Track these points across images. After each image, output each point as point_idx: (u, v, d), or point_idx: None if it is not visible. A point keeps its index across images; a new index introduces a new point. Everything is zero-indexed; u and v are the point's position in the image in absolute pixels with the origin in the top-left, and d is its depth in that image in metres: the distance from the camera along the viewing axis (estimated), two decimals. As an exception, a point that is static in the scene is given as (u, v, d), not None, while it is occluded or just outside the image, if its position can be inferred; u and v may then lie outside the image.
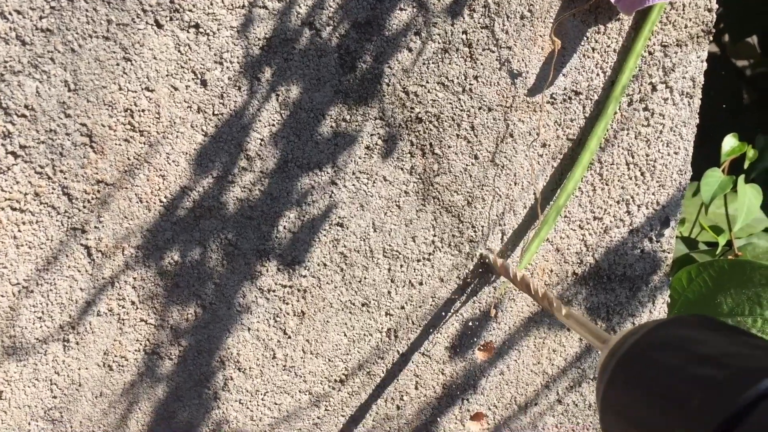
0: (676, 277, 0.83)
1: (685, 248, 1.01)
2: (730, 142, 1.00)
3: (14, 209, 0.48)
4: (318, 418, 0.62)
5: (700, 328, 0.34)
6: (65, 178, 0.49)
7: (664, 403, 0.31)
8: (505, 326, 0.65)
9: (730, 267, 0.81)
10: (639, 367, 0.35)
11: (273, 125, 0.53)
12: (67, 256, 0.51)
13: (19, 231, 0.49)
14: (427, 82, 0.56)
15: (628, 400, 0.34)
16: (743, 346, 0.31)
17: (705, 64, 0.63)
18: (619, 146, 0.63)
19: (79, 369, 0.53)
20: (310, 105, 0.53)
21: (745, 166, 1.03)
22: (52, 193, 0.49)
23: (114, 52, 0.47)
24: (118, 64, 0.48)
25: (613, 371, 0.36)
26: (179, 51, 0.49)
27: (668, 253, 0.68)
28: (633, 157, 0.63)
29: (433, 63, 0.55)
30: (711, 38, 0.62)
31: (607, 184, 0.63)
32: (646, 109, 0.62)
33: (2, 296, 0.50)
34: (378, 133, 0.56)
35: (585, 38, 0.58)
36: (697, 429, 0.28)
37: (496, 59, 0.57)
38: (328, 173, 0.55)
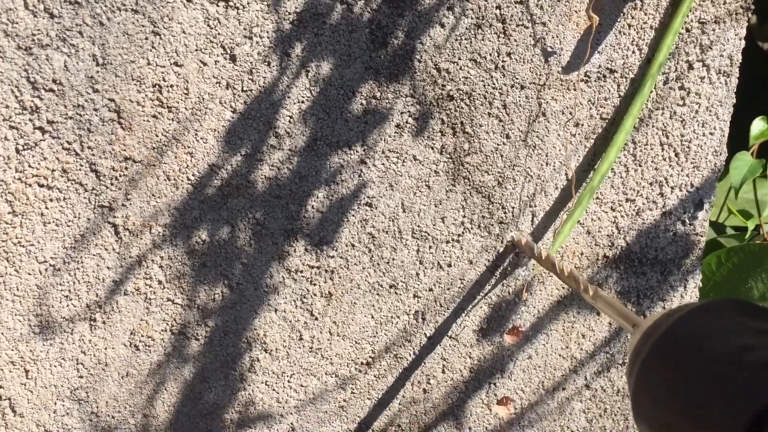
0: (705, 262, 0.82)
1: (713, 233, 0.99)
2: (759, 125, 0.98)
3: (41, 186, 0.47)
4: (344, 400, 0.61)
5: (733, 316, 0.33)
6: (93, 155, 0.48)
7: (688, 405, 0.30)
8: (534, 310, 0.64)
9: (761, 251, 0.79)
10: (673, 355, 0.34)
11: (302, 102, 0.52)
12: (94, 234, 0.50)
13: (47, 208, 0.48)
14: (460, 58, 0.54)
15: (662, 387, 0.33)
16: (764, 337, 0.30)
17: (743, 42, 0.61)
18: (653, 126, 0.61)
19: (106, 349, 0.53)
20: (340, 82, 0.52)
21: (774, 149, 1.01)
22: (80, 169, 0.48)
23: (143, 26, 0.46)
24: (146, 38, 0.47)
25: (647, 356, 0.35)
26: (208, 25, 0.48)
27: (701, 236, 0.66)
28: (668, 138, 0.62)
29: (465, 39, 0.54)
30: (750, 14, 0.61)
31: (640, 165, 0.62)
32: (682, 88, 0.60)
33: (29, 274, 0.49)
34: (409, 111, 0.54)
35: (621, 14, 0.57)
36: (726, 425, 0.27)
37: (530, 35, 0.55)
38: (357, 152, 0.54)
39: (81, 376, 0.53)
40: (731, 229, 1.02)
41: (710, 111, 0.62)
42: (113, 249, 0.50)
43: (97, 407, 0.54)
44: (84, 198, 0.49)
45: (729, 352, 0.31)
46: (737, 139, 1.01)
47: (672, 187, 0.64)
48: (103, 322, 0.52)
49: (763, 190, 0.96)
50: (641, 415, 0.35)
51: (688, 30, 0.59)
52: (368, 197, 0.56)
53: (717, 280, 0.81)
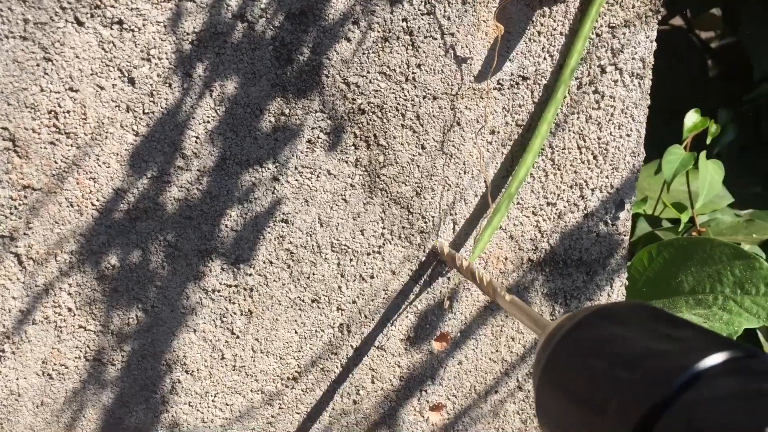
0: (637, 257, 0.83)
1: (649, 226, 1.01)
2: (692, 118, 1.00)
3: (-64, 219, 0.46)
4: (272, 416, 0.61)
5: (633, 318, 0.33)
6: (-11, 185, 0.47)
7: (585, 406, 0.31)
8: (462, 316, 0.64)
9: (690, 245, 0.81)
10: (568, 361, 0.34)
11: (208, 122, 0.51)
12: (-3, 264, 0.49)
13: (-56, 241, 0.47)
14: (368, 72, 0.54)
15: (560, 389, 0.34)
16: (665, 342, 0.30)
17: (654, 44, 0.62)
18: (570, 130, 0.61)
19: (17, 379, 0.52)
20: (246, 100, 0.52)
21: (708, 141, 1.02)
22: (-23, 200, 0.47)
23: (33, 53, 0.45)
24: (38, 65, 0.46)
25: (548, 358, 0.35)
26: (103, 49, 0.47)
27: (624, 236, 0.67)
28: (585, 141, 0.62)
29: (373, 53, 0.54)
30: (660, 18, 0.61)
31: (559, 169, 0.62)
32: (596, 91, 0.61)
33: (-70, 309, 0.48)
34: (320, 126, 0.54)
35: (530, 22, 0.57)
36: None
37: (440, 46, 0.55)
38: (269, 169, 0.54)
39: (-7, 408, 0.52)
40: (667, 222, 1.03)
41: (625, 113, 0.62)
42: (17, 278, 0.50)
43: (14, 438, 0.53)
44: (-17, 229, 0.48)
45: (608, 369, 0.31)
46: (674, 132, 1.02)
47: (592, 189, 0.64)
48: (13, 353, 0.51)
49: (696, 182, 0.98)
50: (543, 418, 0.35)
51: (598, 35, 0.59)
52: (283, 214, 0.55)
53: (649, 275, 0.82)
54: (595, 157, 0.63)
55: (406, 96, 0.56)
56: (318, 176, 0.55)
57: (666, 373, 0.27)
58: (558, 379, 0.34)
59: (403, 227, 0.59)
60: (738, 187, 1.10)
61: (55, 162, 0.48)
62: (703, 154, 0.95)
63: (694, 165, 0.95)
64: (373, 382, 0.63)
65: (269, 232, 0.55)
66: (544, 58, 0.58)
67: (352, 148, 0.56)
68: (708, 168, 0.95)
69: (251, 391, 0.59)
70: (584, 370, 0.33)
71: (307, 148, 0.54)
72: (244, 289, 0.56)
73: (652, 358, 0.29)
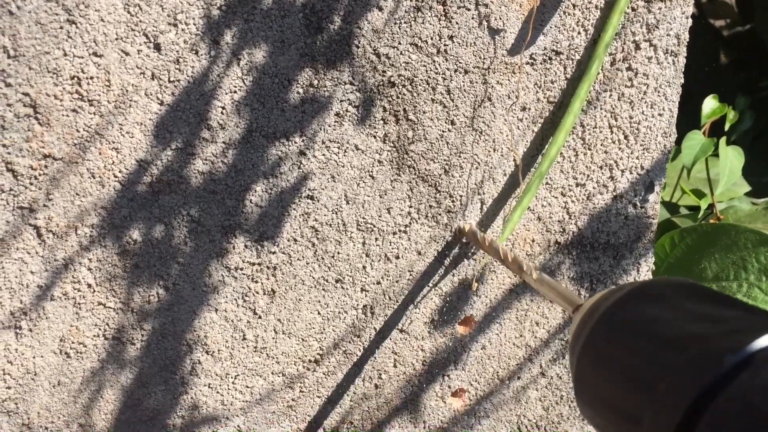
0: (658, 243, 0.81)
1: (666, 213, 0.99)
2: (710, 104, 0.98)
3: (-47, 188, 0.44)
4: (292, 400, 0.59)
5: (673, 296, 0.32)
6: (8, 153, 0.45)
7: (632, 384, 0.30)
8: (486, 299, 0.63)
9: (713, 231, 0.79)
10: (610, 341, 0.33)
11: (235, 92, 0.49)
12: (14, 237, 0.47)
13: (-40, 212, 0.45)
14: (400, 43, 0.52)
15: (600, 375, 0.33)
16: (710, 321, 0.29)
17: (690, 21, 0.60)
18: (601, 108, 0.60)
19: (34, 357, 0.50)
20: (274, 70, 0.50)
21: (726, 127, 1.01)
22: (-5, 169, 0.45)
23: (56, 14, 0.43)
24: (61, 28, 0.44)
25: (583, 346, 0.34)
26: (129, 12, 0.45)
27: (653, 219, 0.65)
28: (616, 120, 0.60)
29: (405, 22, 0.52)
30: (697, -7, 0.59)
31: (589, 149, 0.61)
32: (629, 68, 0.59)
33: (-55, 283, 0.46)
34: (348, 99, 0.52)
35: (566, -6, 0.55)
36: (665, 413, 0.27)
37: (473, 17, 0.53)
38: (296, 143, 0.52)
39: (9, 387, 0.50)
40: (685, 209, 1.02)
41: (658, 92, 0.61)
42: (36, 252, 0.48)
43: (29, 418, 0.51)
44: (1, 200, 0.46)
45: (657, 348, 0.30)
46: (689, 118, 1.01)
47: (622, 170, 0.62)
48: (30, 330, 0.49)
49: (715, 169, 0.96)
50: (583, 397, 0.34)
51: (633, 9, 0.57)
52: (309, 190, 0.54)
53: (671, 261, 0.81)
54: (626, 137, 0.61)
55: (437, 69, 0.54)
56: (345, 151, 0.53)
57: (718, 354, 0.26)
58: (601, 357, 0.33)
59: (430, 206, 0.57)
60: (754, 176, 1.09)
61: (77, 131, 0.46)
62: (723, 140, 0.94)
63: (714, 151, 0.93)
64: (395, 366, 0.62)
65: (294, 209, 0.54)
66: (579, 33, 0.56)
67: (381, 122, 0.54)
68: (728, 154, 0.93)
69: (272, 373, 0.58)
70: (629, 348, 0.32)
71: (335, 121, 0.52)
72: (268, 268, 0.54)
73: (699, 337, 0.28)
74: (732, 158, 0.94)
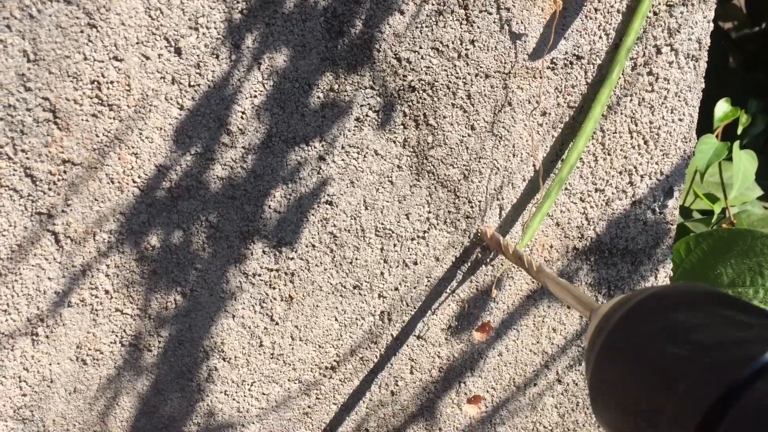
0: (674, 248, 0.80)
1: (679, 218, 0.98)
2: (722, 107, 0.98)
3: (-29, 194, 0.44)
4: (308, 407, 0.59)
5: (686, 304, 0.32)
6: (27, 158, 0.44)
7: (653, 383, 0.29)
8: (504, 305, 0.62)
9: (729, 236, 0.78)
10: (627, 346, 0.33)
11: (255, 97, 0.48)
12: (32, 243, 0.46)
13: (-22, 218, 0.44)
14: (421, 47, 0.51)
15: (617, 380, 0.32)
16: (731, 328, 0.29)
17: (711, 25, 0.59)
18: (622, 113, 0.59)
19: (50, 364, 0.49)
20: (295, 74, 0.49)
21: (739, 131, 1.00)
22: (14, 174, 0.44)
23: (77, 18, 0.43)
24: (82, 31, 0.43)
25: (601, 348, 0.34)
26: (150, 16, 0.44)
27: (671, 224, 0.65)
28: (636, 125, 0.60)
29: (426, 27, 0.51)
30: (719, -3, 0.59)
31: (609, 154, 0.60)
32: (650, 73, 0.59)
33: (-38, 289, 0.46)
34: (369, 104, 0.52)
35: (588, -2, 0.54)
36: (685, 413, 0.27)
37: (494, 21, 0.53)
38: (315, 148, 0.51)
39: (24, 394, 0.49)
40: (698, 213, 1.01)
41: (679, 97, 0.60)
42: (54, 258, 0.47)
43: (44, 426, 0.51)
44: (19, 205, 0.45)
45: (675, 351, 0.30)
46: (700, 122, 1.00)
47: (641, 176, 0.62)
48: (47, 337, 0.49)
49: (728, 173, 0.95)
50: (600, 398, 0.33)
51: (655, 13, 0.57)
52: (328, 195, 0.53)
53: (686, 267, 0.80)
54: (645, 142, 0.61)
55: (458, 73, 0.53)
56: (365, 156, 0.53)
57: (742, 357, 0.26)
58: (620, 357, 0.33)
59: (449, 212, 0.57)
60: (766, 180, 1.08)
61: (97, 135, 0.45)
62: (736, 144, 0.93)
63: (727, 155, 0.93)
64: (411, 373, 0.61)
65: (313, 215, 0.53)
66: (600, 37, 0.56)
67: (401, 127, 0.53)
68: (742, 158, 0.93)
69: (288, 380, 0.57)
70: (649, 350, 0.31)
71: (355, 126, 0.52)
72: (285, 274, 0.54)
73: (723, 341, 0.28)
74: (745, 162, 0.93)
